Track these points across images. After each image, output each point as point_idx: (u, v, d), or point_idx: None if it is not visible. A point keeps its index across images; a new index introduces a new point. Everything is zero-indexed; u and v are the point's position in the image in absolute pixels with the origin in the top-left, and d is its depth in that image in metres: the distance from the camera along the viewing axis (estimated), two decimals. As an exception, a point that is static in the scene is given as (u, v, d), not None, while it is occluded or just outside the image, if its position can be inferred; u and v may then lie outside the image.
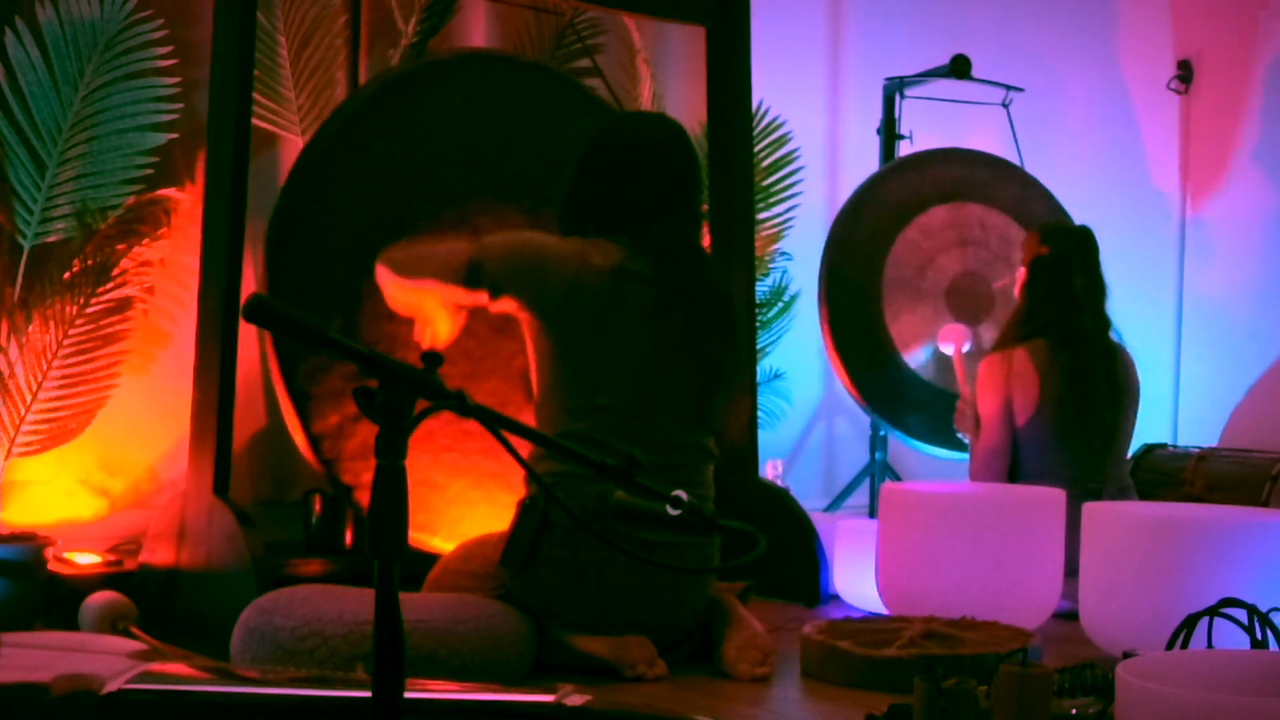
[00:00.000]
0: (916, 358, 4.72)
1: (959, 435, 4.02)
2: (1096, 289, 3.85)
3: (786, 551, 3.56)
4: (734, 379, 3.05)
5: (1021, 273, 3.92)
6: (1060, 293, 3.81)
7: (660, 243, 2.94)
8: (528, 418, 2.92)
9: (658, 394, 2.88)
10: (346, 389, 3.25)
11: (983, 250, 4.77)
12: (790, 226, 4.79)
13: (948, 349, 4.36)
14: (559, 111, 3.65)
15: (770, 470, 4.25)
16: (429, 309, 2.93)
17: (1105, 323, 3.86)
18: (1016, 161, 4.90)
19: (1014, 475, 3.78)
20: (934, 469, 4.92)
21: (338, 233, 3.35)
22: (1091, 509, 2.98)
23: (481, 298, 2.88)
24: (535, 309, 2.87)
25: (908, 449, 4.99)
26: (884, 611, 3.24)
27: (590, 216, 2.96)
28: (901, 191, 4.74)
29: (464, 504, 3.32)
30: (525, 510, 2.81)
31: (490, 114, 3.55)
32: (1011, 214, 4.79)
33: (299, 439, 3.29)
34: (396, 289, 2.93)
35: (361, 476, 3.27)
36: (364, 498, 3.26)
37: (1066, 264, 3.83)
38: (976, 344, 4.43)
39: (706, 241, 3.92)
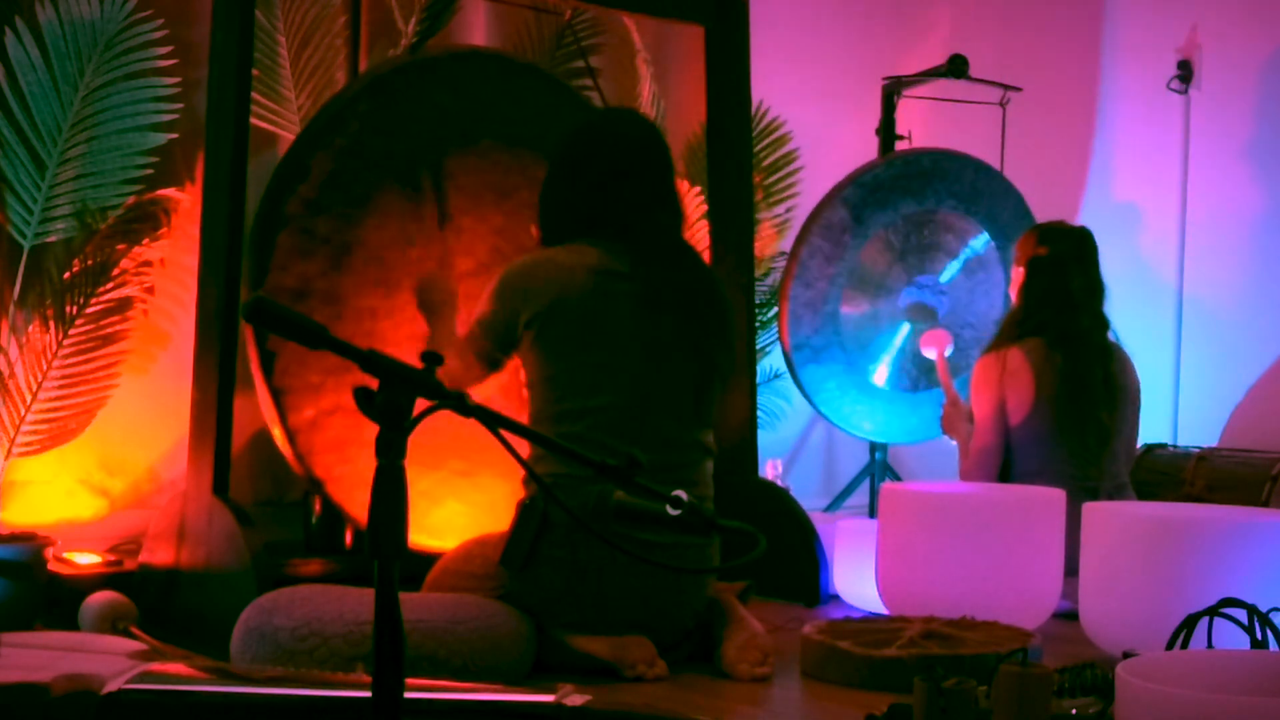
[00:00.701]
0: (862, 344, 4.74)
1: (946, 438, 4.03)
2: (1094, 290, 3.84)
3: (786, 551, 3.56)
4: (729, 372, 3.04)
5: (1018, 272, 3.91)
6: (1058, 293, 3.80)
7: (648, 240, 2.93)
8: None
9: (656, 392, 2.87)
10: (322, 383, 3.25)
11: (943, 255, 4.79)
12: (790, 226, 4.79)
13: (930, 353, 4.36)
14: (549, 112, 3.65)
15: (770, 470, 4.25)
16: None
17: (1103, 323, 3.86)
18: (1001, 163, 4.90)
19: (1005, 475, 3.78)
20: (935, 469, 4.92)
21: (322, 225, 3.34)
22: (1091, 509, 2.98)
23: (510, 363, 2.95)
24: (527, 331, 2.88)
25: (909, 449, 4.99)
26: (884, 611, 3.24)
27: (575, 218, 2.96)
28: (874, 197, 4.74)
29: (431, 500, 3.32)
30: (525, 511, 2.81)
31: (482, 113, 3.55)
32: (979, 218, 4.80)
33: (275, 432, 3.29)
34: None
35: (333, 470, 3.26)
36: (335, 491, 3.26)
37: (1064, 264, 3.82)
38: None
39: (705, 243, 3.92)
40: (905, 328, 4.72)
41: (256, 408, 3.64)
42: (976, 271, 4.80)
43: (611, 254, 2.89)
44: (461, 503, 3.35)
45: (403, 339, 3.36)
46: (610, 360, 2.85)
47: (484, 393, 3.07)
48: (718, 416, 3.86)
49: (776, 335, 4.78)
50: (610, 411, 2.83)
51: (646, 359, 2.86)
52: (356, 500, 3.24)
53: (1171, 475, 4.38)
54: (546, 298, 2.84)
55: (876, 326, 4.72)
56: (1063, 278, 3.81)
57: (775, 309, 4.77)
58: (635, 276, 2.88)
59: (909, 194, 4.70)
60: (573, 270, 2.86)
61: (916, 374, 4.73)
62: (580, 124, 3.14)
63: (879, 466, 4.91)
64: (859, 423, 4.71)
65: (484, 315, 2.91)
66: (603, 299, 2.85)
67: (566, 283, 2.85)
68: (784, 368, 4.81)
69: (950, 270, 4.79)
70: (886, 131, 4.91)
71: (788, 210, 4.78)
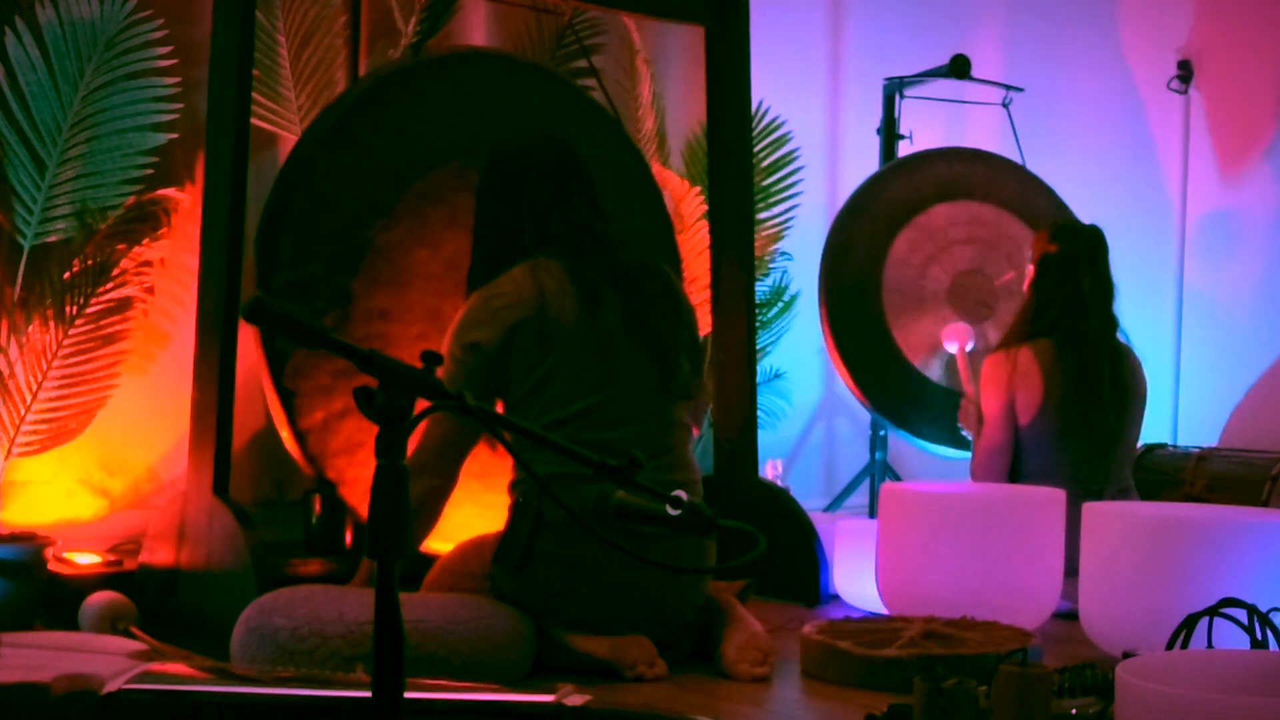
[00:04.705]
0: (920, 357, 4.72)
1: (962, 433, 4.02)
2: (1104, 289, 3.83)
3: (786, 551, 3.56)
4: (688, 343, 3.00)
5: (1030, 270, 3.90)
6: (1068, 292, 3.79)
7: (572, 236, 2.93)
8: None
9: (618, 380, 2.86)
10: (333, 385, 3.25)
11: (984, 247, 4.78)
12: (790, 226, 4.79)
13: (951, 347, 4.35)
14: (552, 111, 3.65)
15: (770, 470, 4.25)
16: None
17: (1112, 323, 3.84)
18: (1018, 161, 4.90)
19: (1015, 474, 3.77)
20: (934, 469, 4.92)
21: (330, 228, 3.35)
22: (1091, 509, 2.97)
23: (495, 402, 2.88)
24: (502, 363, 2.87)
25: (909, 449, 4.99)
26: (884, 611, 3.24)
27: (503, 244, 2.96)
28: (901, 191, 4.74)
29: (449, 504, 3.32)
30: (518, 510, 2.81)
31: (486, 111, 3.55)
32: (1014, 210, 4.80)
33: (285, 434, 3.29)
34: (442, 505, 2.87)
35: (345, 473, 3.26)
36: (348, 494, 3.26)
37: (1075, 263, 3.81)
38: (982, 342, 4.43)
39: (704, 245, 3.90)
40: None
41: (257, 408, 3.65)
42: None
43: (547, 260, 2.89)
44: (476, 505, 3.35)
45: (413, 338, 3.37)
46: (570, 364, 2.84)
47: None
48: (717, 414, 3.88)
49: (777, 335, 4.79)
50: (580, 418, 2.81)
51: (600, 353, 2.86)
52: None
53: (1171, 475, 4.38)
54: (506, 324, 2.82)
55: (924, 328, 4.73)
56: (1073, 276, 3.79)
57: (775, 309, 4.77)
58: (572, 275, 2.87)
59: (928, 191, 4.71)
60: (517, 288, 2.85)
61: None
62: (492, 162, 3.11)
63: (879, 466, 4.91)
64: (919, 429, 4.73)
65: (454, 373, 2.83)
66: (548, 307, 2.84)
67: (517, 304, 2.83)
68: (784, 368, 4.81)
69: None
70: (887, 131, 4.91)
71: (788, 210, 4.78)
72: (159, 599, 3.18)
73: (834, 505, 4.86)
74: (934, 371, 4.70)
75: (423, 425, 2.73)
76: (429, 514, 2.83)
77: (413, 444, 2.78)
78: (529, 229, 2.96)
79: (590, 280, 2.88)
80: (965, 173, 4.81)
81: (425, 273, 3.44)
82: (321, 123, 3.44)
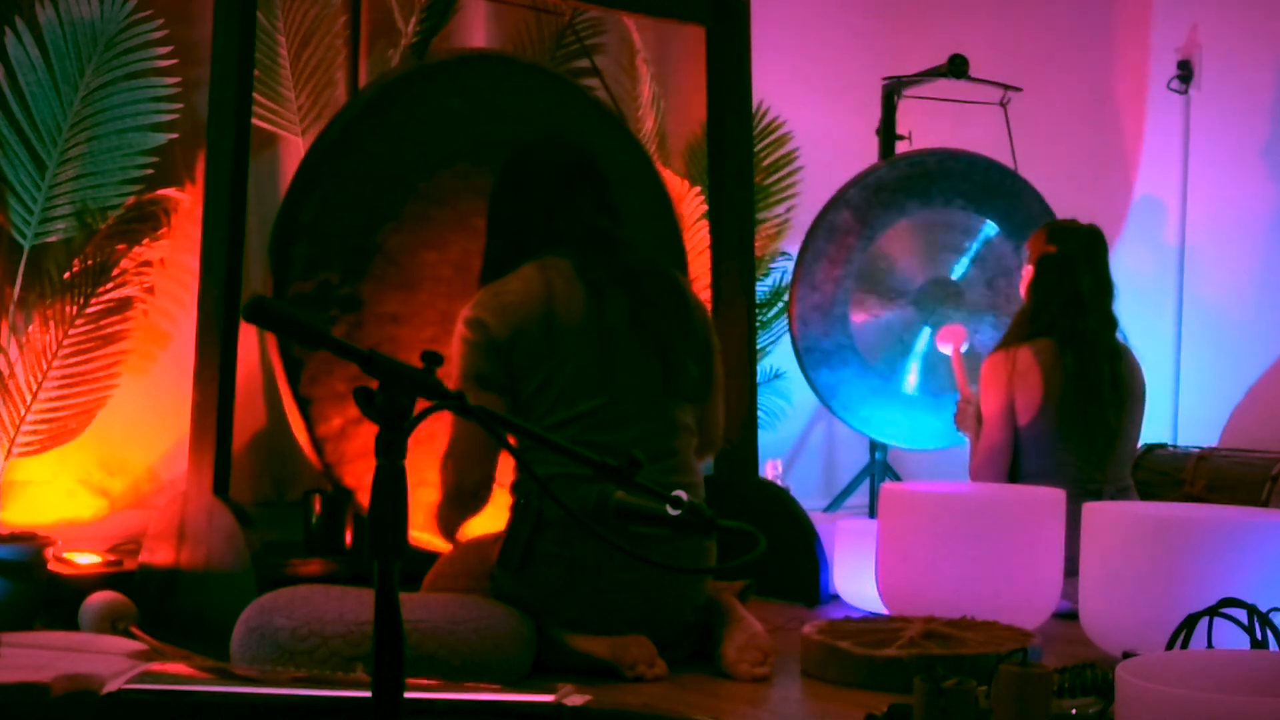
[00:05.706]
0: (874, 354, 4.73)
1: (960, 434, 4.02)
2: (1103, 289, 3.83)
3: (786, 551, 3.56)
4: (698, 348, 2.99)
5: (1028, 271, 3.90)
6: (1066, 292, 3.78)
7: (578, 236, 2.94)
8: None
9: (620, 379, 2.86)
10: (348, 392, 3.26)
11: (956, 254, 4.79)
12: (790, 226, 4.79)
13: (946, 349, 4.35)
14: (556, 111, 3.65)
15: (770, 470, 4.25)
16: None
17: (1111, 323, 3.84)
18: (1010, 163, 4.89)
19: (1015, 474, 3.77)
20: (934, 469, 4.92)
21: (340, 234, 3.35)
22: (1091, 509, 2.97)
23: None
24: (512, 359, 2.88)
25: (908, 449, 4.99)
26: (884, 611, 3.24)
27: (514, 244, 2.97)
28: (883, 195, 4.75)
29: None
30: (519, 511, 2.81)
31: (489, 114, 3.56)
32: (998, 219, 4.80)
33: (303, 441, 3.29)
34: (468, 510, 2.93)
35: (363, 478, 3.27)
36: (365, 500, 3.26)
37: (1073, 263, 3.80)
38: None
39: (709, 248, 3.90)
40: (925, 331, 4.71)
41: (257, 408, 3.65)
42: (988, 263, 4.79)
43: (555, 258, 2.90)
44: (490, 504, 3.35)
45: (425, 340, 3.37)
46: (573, 364, 2.84)
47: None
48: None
49: (777, 335, 4.78)
50: (584, 419, 2.81)
51: (603, 353, 2.86)
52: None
53: (1171, 475, 4.38)
54: (514, 322, 2.83)
55: (889, 328, 4.72)
56: (1071, 276, 3.79)
57: (775, 309, 4.77)
58: (579, 274, 2.88)
59: (914, 195, 4.70)
60: (526, 286, 2.86)
61: (940, 379, 4.71)
62: (506, 162, 3.12)
63: (879, 466, 4.91)
64: (877, 427, 4.72)
65: (470, 369, 2.84)
66: (556, 305, 2.85)
67: (525, 301, 2.84)
68: (784, 368, 4.81)
69: (961, 267, 4.79)
70: (886, 131, 4.91)
71: (788, 210, 4.78)
72: (159, 599, 3.18)
73: (834, 505, 4.86)
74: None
75: (455, 422, 2.80)
76: (480, 501, 2.90)
77: (445, 440, 2.86)
78: (535, 228, 2.96)
79: (595, 279, 2.88)
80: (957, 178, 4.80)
81: (434, 276, 3.45)
82: (330, 131, 3.43)
